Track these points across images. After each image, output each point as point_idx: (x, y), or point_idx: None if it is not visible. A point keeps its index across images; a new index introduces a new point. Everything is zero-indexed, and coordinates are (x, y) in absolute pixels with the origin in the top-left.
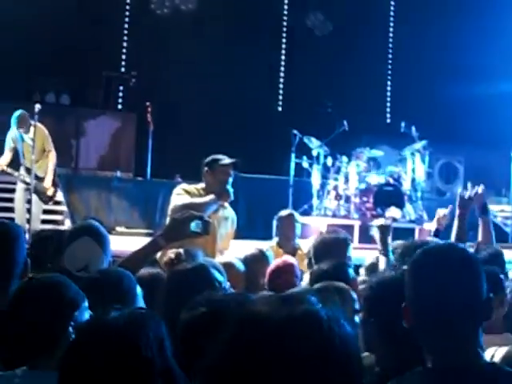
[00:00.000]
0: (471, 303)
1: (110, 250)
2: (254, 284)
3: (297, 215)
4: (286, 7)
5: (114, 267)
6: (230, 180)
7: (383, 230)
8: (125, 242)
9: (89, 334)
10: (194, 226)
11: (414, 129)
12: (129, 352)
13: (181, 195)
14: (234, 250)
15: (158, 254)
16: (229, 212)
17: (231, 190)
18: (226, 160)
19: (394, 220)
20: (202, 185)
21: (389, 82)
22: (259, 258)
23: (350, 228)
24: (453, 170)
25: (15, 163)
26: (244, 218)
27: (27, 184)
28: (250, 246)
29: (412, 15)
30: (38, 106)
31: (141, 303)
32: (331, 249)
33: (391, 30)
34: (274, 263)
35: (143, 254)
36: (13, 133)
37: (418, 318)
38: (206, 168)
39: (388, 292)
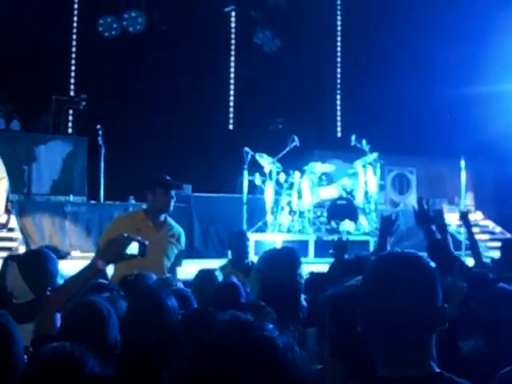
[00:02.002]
0: (426, 311)
1: (53, 275)
2: (204, 306)
3: (248, 233)
4: (233, 25)
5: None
6: (172, 202)
7: (339, 246)
8: (81, 267)
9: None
10: (132, 248)
11: (364, 142)
12: None
13: (108, 229)
14: (187, 271)
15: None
16: (176, 229)
17: (170, 208)
18: (165, 182)
19: (348, 233)
20: (143, 207)
21: (338, 97)
22: (209, 279)
23: (305, 243)
24: (405, 181)
25: None
26: (199, 237)
27: None
28: (202, 266)
29: (358, 29)
30: None
31: None
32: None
33: (338, 44)
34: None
35: (83, 277)
36: None
37: (372, 325)
38: (147, 189)
39: (338, 307)
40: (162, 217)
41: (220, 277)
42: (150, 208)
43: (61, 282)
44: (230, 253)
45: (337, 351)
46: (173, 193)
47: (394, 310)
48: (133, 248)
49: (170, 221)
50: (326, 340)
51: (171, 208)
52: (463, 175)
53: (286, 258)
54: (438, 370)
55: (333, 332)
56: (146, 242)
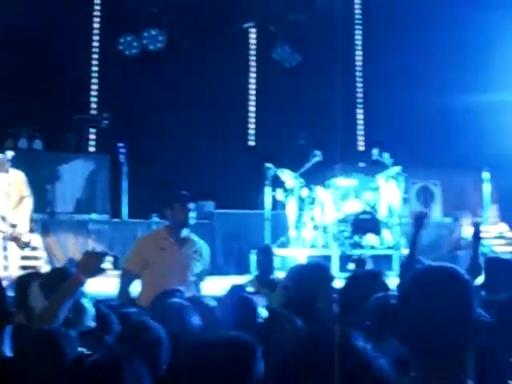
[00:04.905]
0: (460, 325)
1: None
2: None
3: (273, 248)
4: (253, 41)
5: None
6: (192, 214)
7: (358, 263)
8: (104, 284)
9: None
10: (108, 261)
11: (387, 155)
12: None
13: (133, 251)
14: (210, 287)
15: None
16: (199, 244)
17: (193, 222)
18: (181, 196)
19: (372, 247)
20: (165, 224)
21: (360, 110)
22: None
23: (328, 258)
24: (429, 194)
25: None
26: (221, 254)
27: (3, 232)
28: (228, 283)
29: (379, 42)
30: (11, 153)
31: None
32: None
33: (359, 57)
34: None
35: (67, 292)
36: None
37: (410, 341)
38: (166, 207)
39: None
40: (185, 232)
41: None
42: (172, 224)
43: (84, 300)
44: (256, 268)
45: None
46: (190, 206)
47: (428, 327)
48: (108, 261)
49: (194, 236)
50: None
51: (191, 221)
52: (486, 187)
53: (312, 274)
54: None
55: None
56: (119, 256)
